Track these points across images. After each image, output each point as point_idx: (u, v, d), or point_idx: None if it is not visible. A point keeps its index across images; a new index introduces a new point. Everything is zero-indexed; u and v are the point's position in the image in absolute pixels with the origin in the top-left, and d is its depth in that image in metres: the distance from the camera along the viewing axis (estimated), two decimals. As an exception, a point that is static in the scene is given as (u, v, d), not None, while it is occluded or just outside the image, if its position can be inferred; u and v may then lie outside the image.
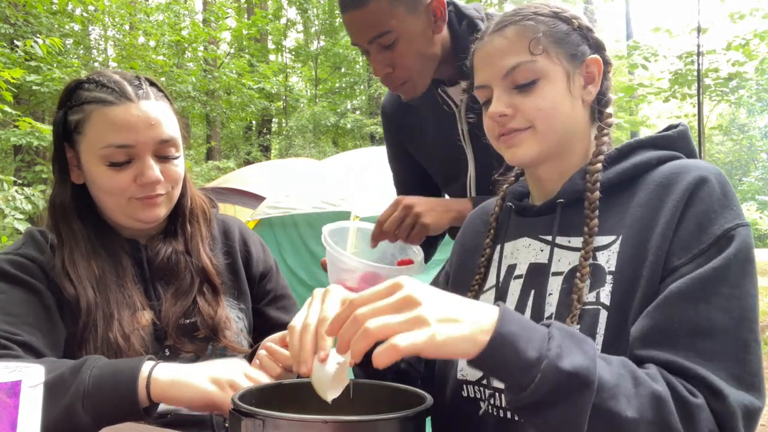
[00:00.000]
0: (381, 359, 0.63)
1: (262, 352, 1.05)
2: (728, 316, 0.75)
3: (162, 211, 1.15)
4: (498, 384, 0.88)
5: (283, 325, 1.21)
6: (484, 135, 1.00)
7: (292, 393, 0.84)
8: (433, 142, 1.56)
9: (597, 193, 0.89)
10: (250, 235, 1.34)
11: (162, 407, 1.06)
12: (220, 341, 1.17)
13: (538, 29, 0.91)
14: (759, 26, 7.88)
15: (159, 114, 1.12)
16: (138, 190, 1.11)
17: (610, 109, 0.97)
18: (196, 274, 1.19)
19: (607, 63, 0.97)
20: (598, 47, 0.96)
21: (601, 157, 0.91)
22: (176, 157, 1.15)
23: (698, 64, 6.60)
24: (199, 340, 1.16)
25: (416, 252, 1.36)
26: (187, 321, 1.16)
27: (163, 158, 1.13)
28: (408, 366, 1.03)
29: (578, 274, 0.85)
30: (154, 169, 1.11)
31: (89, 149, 1.11)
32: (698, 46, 6.47)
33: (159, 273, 1.18)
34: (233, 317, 1.21)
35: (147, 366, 0.93)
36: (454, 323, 0.66)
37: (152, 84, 1.17)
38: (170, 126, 1.13)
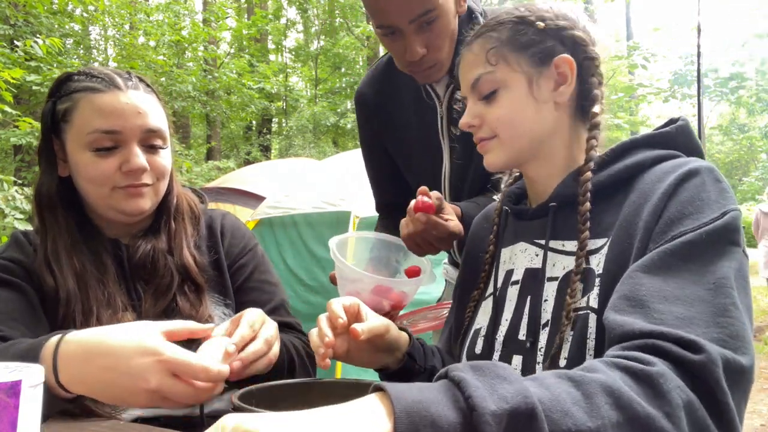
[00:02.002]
0: None
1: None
2: (701, 288, 0.69)
3: (147, 204, 1.14)
4: None
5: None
6: (467, 137, 1.00)
7: (291, 393, 0.84)
8: (412, 133, 1.52)
9: (588, 204, 0.85)
10: (228, 228, 1.29)
11: (155, 411, 1.05)
12: (202, 340, 1.15)
13: (499, 39, 0.92)
14: (759, 26, 7.89)
15: (147, 104, 1.12)
16: (122, 178, 1.10)
17: (596, 108, 0.92)
18: (176, 273, 1.17)
19: (591, 58, 0.93)
20: (575, 44, 0.92)
21: (591, 164, 0.88)
22: (163, 149, 1.15)
23: (698, 64, 6.59)
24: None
25: (423, 259, 1.30)
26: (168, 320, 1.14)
27: (149, 148, 1.13)
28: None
29: (572, 275, 0.83)
30: (140, 156, 1.10)
31: (76, 137, 1.10)
32: (698, 46, 6.47)
33: (138, 271, 1.16)
34: (218, 314, 1.19)
35: (51, 344, 0.81)
36: None
37: (141, 80, 1.17)
38: (157, 117, 1.14)
